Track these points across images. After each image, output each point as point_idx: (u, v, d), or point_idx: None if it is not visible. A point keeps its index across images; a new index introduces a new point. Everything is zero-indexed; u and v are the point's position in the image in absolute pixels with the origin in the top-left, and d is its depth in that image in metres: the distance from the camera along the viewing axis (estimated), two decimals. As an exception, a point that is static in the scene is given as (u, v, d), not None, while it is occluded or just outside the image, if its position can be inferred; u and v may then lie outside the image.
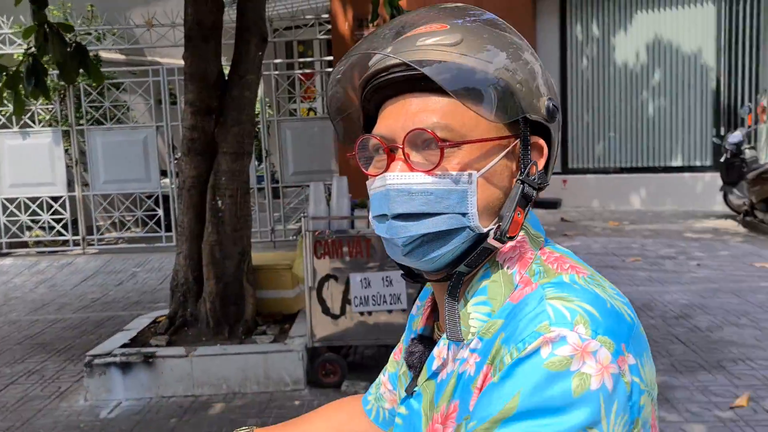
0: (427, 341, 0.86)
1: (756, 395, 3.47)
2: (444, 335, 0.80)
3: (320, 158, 7.89)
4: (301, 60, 9.03)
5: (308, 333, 3.87)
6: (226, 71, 4.30)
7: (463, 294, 0.79)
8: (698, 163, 10.11)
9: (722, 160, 8.59)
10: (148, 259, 8.02)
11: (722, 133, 9.67)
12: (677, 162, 10.25)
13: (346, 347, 4.03)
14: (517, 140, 0.77)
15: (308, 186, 8.07)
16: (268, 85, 8.20)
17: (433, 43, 0.74)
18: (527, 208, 0.77)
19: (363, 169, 0.81)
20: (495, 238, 0.75)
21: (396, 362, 1.03)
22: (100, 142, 8.01)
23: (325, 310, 3.84)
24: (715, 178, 9.46)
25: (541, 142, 0.79)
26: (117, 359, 3.91)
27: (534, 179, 0.77)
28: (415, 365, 0.85)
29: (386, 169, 0.77)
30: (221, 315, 4.19)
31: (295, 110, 9.81)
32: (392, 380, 1.03)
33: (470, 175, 0.74)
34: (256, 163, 8.53)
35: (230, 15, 5.15)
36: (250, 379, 3.89)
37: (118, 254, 8.24)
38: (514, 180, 0.78)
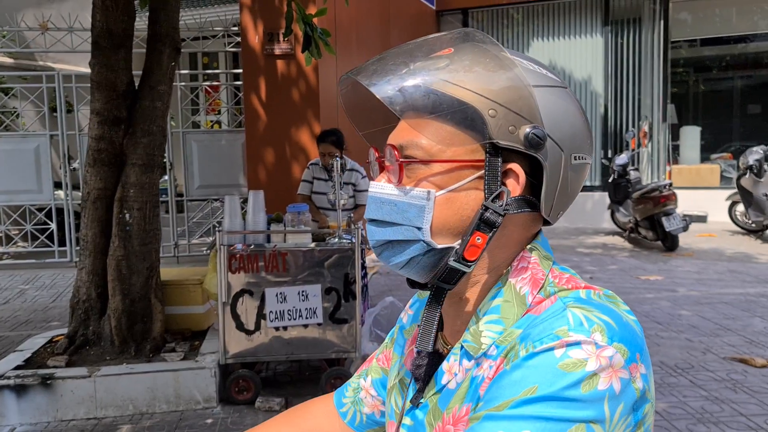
0: (433, 354, 0.88)
1: (646, 398, 3.75)
2: (453, 350, 0.83)
3: (228, 172, 7.76)
4: (207, 72, 8.86)
5: (221, 349, 3.79)
6: (136, 80, 4.17)
7: (474, 311, 0.82)
8: (588, 183, 10.80)
9: (610, 180, 9.23)
10: (38, 276, 7.55)
11: (610, 155, 10.40)
12: (569, 181, 10.88)
13: (260, 363, 3.99)
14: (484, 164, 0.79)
15: (215, 200, 7.98)
16: (173, 96, 7.99)
17: (419, 66, 0.78)
18: (491, 234, 0.77)
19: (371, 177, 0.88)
20: (454, 260, 0.77)
21: (382, 369, 1.04)
22: (-15, 151, 7.48)
23: (239, 326, 3.78)
24: (603, 197, 10.14)
25: (517, 168, 0.78)
26: (11, 382, 3.66)
27: (501, 205, 0.76)
28: (423, 378, 0.86)
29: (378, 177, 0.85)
30: (127, 333, 4.02)
31: (198, 122, 9.58)
32: (376, 386, 1.03)
33: (429, 192, 0.78)
34: (158, 175, 8.25)
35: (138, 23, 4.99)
36: (159, 398, 3.76)
37: (5, 270, 7.69)
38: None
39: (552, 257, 0.84)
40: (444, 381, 0.82)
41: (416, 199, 0.78)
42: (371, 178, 0.87)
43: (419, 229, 0.78)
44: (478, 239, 0.76)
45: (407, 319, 1.02)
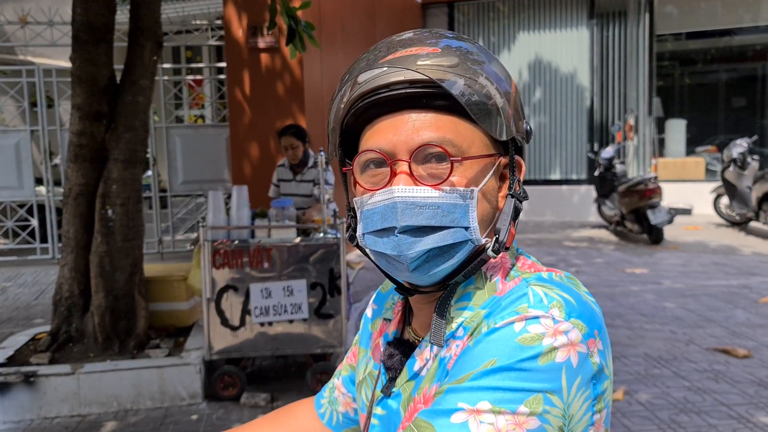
0: (404, 344, 0.89)
1: (630, 389, 3.78)
2: (425, 339, 0.84)
3: (213, 167, 7.70)
4: (190, 66, 8.78)
5: (206, 346, 3.77)
6: (118, 75, 4.12)
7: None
8: (575, 177, 10.84)
9: (596, 173, 9.26)
10: (20, 273, 7.46)
11: (596, 148, 10.45)
12: (556, 175, 10.93)
13: (245, 359, 3.97)
14: (500, 159, 0.82)
15: (198, 195, 7.92)
16: (155, 91, 7.91)
17: (432, 64, 0.75)
18: (517, 222, 0.82)
19: (361, 184, 0.80)
20: (493, 250, 0.78)
21: (351, 366, 1.04)
22: (-36, 147, 7.38)
23: (224, 322, 3.76)
24: (589, 191, 10.19)
25: (521, 160, 0.84)
26: (-7, 380, 3.62)
27: (520, 194, 0.82)
28: (395, 367, 0.87)
29: (389, 183, 0.77)
30: (111, 330, 3.99)
31: (182, 117, 9.51)
32: (346, 384, 1.04)
33: (472, 190, 0.77)
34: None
35: (119, 17, 4.93)
36: (144, 395, 3.73)
37: (-14, 268, 7.60)
38: (500, 196, 0.83)
39: (515, 246, 0.87)
40: (416, 368, 0.84)
41: (461, 198, 0.77)
42: (364, 188, 0.80)
43: (467, 228, 0.77)
44: (513, 227, 0.81)
45: (372, 314, 1.03)
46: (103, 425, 3.54)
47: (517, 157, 0.84)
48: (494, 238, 0.80)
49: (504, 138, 0.79)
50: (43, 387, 3.65)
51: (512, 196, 0.81)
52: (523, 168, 0.84)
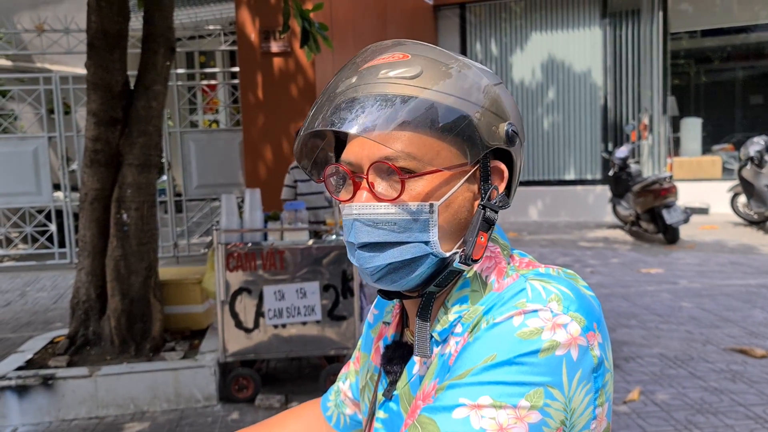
0: (403, 347, 0.88)
1: (646, 389, 3.75)
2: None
3: (227, 171, 7.76)
4: (205, 71, 8.85)
5: (220, 348, 3.80)
6: (132, 81, 4.18)
7: (442, 303, 0.83)
8: (589, 177, 10.77)
9: (611, 173, 9.20)
10: (39, 278, 7.56)
11: (610, 148, 10.37)
12: (570, 175, 10.87)
13: (259, 361, 3.99)
14: (477, 166, 0.79)
15: (213, 199, 7.98)
16: (170, 96, 7.99)
17: (394, 76, 0.75)
18: (490, 231, 0.79)
19: (334, 196, 0.82)
20: (461, 262, 0.78)
21: (356, 372, 1.04)
22: (-17, 154, 7.50)
23: (238, 324, 3.78)
24: (604, 191, 10.12)
25: (501, 166, 0.81)
26: (12, 382, 3.67)
27: (495, 203, 0.79)
28: (395, 370, 0.87)
29: (352, 198, 0.78)
30: (127, 332, 4.03)
31: (196, 122, 9.58)
32: (352, 389, 1.05)
33: (431, 205, 0.76)
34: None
35: (132, 24, 4.99)
36: (160, 397, 3.77)
37: (5, 273, 7.70)
38: (477, 203, 0.80)
39: (509, 245, 0.87)
40: (415, 371, 0.84)
41: (419, 213, 0.75)
42: (339, 200, 0.81)
43: (426, 243, 0.76)
44: (482, 238, 0.78)
45: (373, 319, 1.03)
46: (120, 427, 3.58)
47: (497, 164, 0.81)
48: (462, 249, 0.78)
49: (466, 152, 0.77)
50: (61, 389, 3.70)
51: (483, 207, 0.79)
52: (506, 174, 0.81)
